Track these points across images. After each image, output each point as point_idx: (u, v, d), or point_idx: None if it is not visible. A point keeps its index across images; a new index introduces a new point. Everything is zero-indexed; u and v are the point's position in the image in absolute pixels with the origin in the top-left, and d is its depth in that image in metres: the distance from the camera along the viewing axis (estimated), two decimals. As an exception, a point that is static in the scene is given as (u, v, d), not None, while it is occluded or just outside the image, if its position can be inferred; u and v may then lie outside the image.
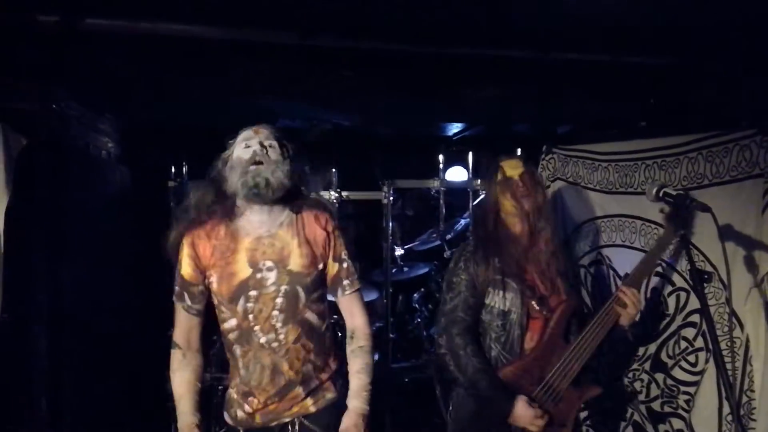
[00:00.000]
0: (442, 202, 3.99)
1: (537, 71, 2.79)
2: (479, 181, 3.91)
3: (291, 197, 2.01)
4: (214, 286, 1.99)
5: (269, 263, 1.97)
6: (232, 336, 2.01)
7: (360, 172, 4.11)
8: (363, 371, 2.08)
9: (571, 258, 2.41)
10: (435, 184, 3.93)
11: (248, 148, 1.94)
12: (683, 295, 2.62)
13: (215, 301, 2.04)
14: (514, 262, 2.26)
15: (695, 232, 2.50)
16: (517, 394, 2.17)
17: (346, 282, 2.10)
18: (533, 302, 2.24)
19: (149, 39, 2.44)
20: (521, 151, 4.02)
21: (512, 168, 2.29)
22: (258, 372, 1.99)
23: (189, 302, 2.03)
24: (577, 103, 3.16)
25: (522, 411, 2.15)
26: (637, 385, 2.82)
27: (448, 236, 4.20)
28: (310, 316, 2.02)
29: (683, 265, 2.60)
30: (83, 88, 3.01)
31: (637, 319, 2.30)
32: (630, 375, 2.86)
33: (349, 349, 2.13)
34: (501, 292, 2.23)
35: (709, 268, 2.49)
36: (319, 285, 2.05)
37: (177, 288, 2.04)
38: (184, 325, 2.06)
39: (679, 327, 2.64)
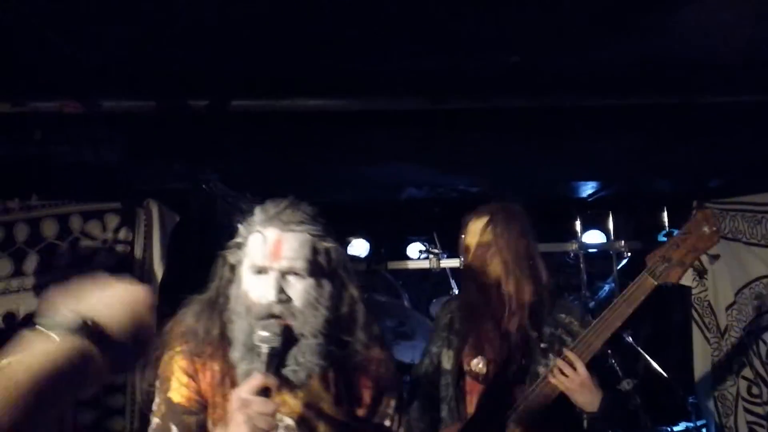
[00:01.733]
0: (582, 266, 3.77)
1: (680, 118, 2.61)
2: (622, 243, 3.70)
3: (332, 341, 1.34)
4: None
5: (289, 421, 1.31)
6: None
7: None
8: None
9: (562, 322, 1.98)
10: (573, 247, 3.74)
11: (261, 277, 1.30)
12: None
13: None
14: (466, 321, 2.03)
15: None
16: None
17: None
18: (471, 363, 1.97)
19: (286, 116, 2.58)
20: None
21: (471, 235, 2.02)
22: None
23: None
24: (729, 150, 2.90)
25: None
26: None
27: (591, 303, 3.94)
28: None
29: None
30: (228, 169, 3.22)
31: (593, 402, 1.76)
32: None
33: None
34: (445, 350, 2.06)
35: None
36: None
37: (157, 420, 1.33)
38: None
39: None
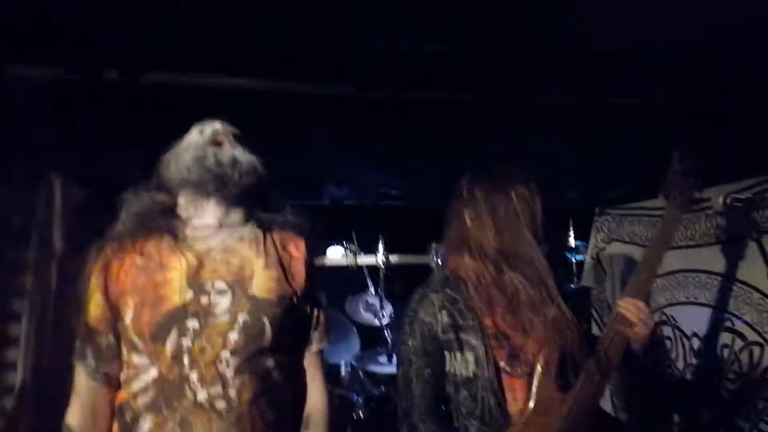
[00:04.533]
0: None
1: (591, 122, 2.71)
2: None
3: (256, 205, 1.50)
4: (128, 321, 1.33)
5: (221, 284, 1.37)
6: (143, 401, 1.30)
7: (408, 239, 4.07)
8: None
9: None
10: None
11: (203, 134, 1.48)
12: (757, 350, 2.41)
13: (125, 351, 1.36)
14: (471, 309, 1.71)
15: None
16: None
17: (315, 334, 1.54)
18: (503, 356, 1.68)
19: (203, 93, 2.54)
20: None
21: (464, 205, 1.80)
22: None
23: (93, 362, 1.39)
24: (631, 155, 3.07)
25: None
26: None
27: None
28: (274, 370, 1.37)
29: (753, 316, 2.41)
30: (137, 149, 3.12)
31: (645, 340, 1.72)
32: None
33: None
34: (458, 354, 1.69)
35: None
36: (291, 327, 1.43)
37: (78, 342, 1.43)
38: (84, 399, 1.39)
39: (755, 386, 2.41)
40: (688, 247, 2.78)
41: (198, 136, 1.48)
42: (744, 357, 2.44)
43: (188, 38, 2.28)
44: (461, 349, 1.68)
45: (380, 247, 3.82)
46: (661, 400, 2.80)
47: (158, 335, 1.31)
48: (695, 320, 2.69)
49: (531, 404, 1.67)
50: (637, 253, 3.15)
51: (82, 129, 2.65)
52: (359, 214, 4.64)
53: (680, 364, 2.80)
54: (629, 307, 1.70)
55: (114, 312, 1.38)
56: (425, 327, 1.71)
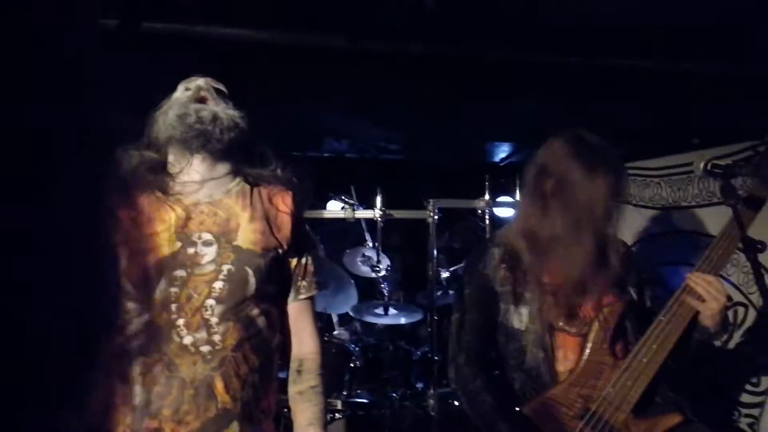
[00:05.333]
0: (488, 223, 3.92)
1: (579, 79, 2.72)
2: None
3: (243, 160, 1.53)
4: (120, 270, 1.28)
5: (207, 236, 1.42)
6: (135, 344, 1.28)
7: (406, 193, 4.10)
8: (317, 424, 1.51)
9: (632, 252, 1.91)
10: (481, 204, 3.87)
11: (188, 90, 1.49)
12: (741, 310, 2.48)
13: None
14: (530, 265, 1.73)
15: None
16: None
17: (302, 283, 1.57)
18: (559, 313, 1.70)
19: (199, 44, 2.54)
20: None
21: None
22: (174, 391, 1.34)
23: None
24: (626, 117, 3.08)
25: None
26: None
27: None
28: (258, 318, 1.45)
29: (739, 278, 2.46)
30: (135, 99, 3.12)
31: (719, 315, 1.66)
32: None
33: (294, 388, 1.54)
34: (512, 307, 1.73)
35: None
36: (276, 277, 1.50)
37: None
38: None
39: (738, 345, 2.49)
40: (680, 208, 2.81)
41: (182, 93, 1.51)
42: (728, 317, 2.50)
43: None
44: (516, 303, 1.72)
45: (378, 200, 3.85)
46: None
47: (146, 284, 1.37)
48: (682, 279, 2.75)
49: (581, 365, 1.67)
50: (628, 212, 3.18)
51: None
52: (358, 168, 4.67)
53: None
54: (699, 281, 1.66)
55: None
56: (483, 278, 1.76)
